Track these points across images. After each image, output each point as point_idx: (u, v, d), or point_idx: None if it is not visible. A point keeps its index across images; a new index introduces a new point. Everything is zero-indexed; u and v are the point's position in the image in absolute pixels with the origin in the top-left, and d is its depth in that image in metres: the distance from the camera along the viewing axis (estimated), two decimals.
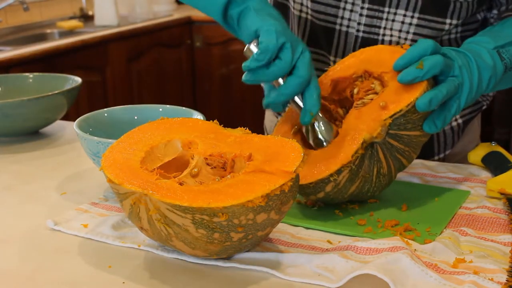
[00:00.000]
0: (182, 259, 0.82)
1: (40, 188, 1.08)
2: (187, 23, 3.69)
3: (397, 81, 0.90)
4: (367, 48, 1.00)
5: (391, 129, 0.90)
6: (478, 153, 1.12)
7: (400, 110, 0.89)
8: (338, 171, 0.89)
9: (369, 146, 0.90)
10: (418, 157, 1.19)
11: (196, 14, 3.75)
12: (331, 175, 0.89)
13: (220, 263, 0.80)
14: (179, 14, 3.79)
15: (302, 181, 0.90)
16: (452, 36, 1.14)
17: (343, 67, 1.00)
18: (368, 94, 0.96)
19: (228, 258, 0.81)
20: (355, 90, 0.98)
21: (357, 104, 0.96)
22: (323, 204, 0.98)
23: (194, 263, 0.81)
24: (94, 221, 0.92)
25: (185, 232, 0.74)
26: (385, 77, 0.95)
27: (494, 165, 1.08)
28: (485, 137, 1.35)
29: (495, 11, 1.15)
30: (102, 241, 0.88)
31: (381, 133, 0.89)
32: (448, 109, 0.92)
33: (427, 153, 1.22)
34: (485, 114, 1.34)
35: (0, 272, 0.81)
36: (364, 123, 0.91)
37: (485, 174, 1.09)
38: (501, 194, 0.98)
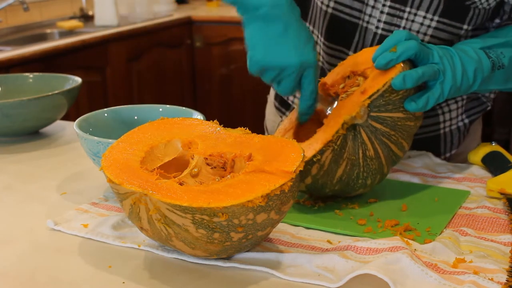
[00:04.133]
0: (182, 259, 0.82)
1: (40, 188, 1.08)
2: (187, 23, 3.70)
3: (375, 67, 0.94)
4: (355, 54, 1.05)
5: (371, 111, 0.92)
6: (478, 153, 1.12)
7: (377, 91, 0.92)
8: (321, 151, 0.91)
9: (351, 127, 0.93)
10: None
11: (196, 14, 3.76)
12: (314, 155, 0.91)
13: (220, 263, 0.80)
14: (179, 14, 3.79)
15: None
16: (462, 39, 1.14)
17: (333, 74, 1.05)
18: (352, 87, 0.99)
19: (228, 258, 0.81)
20: (341, 86, 1.01)
21: (341, 97, 0.99)
22: (325, 199, 0.98)
23: (194, 263, 0.81)
24: (94, 221, 0.92)
25: (185, 232, 0.74)
26: (367, 72, 0.98)
27: (494, 165, 1.08)
28: (485, 137, 1.35)
29: (497, 20, 1.15)
30: (102, 241, 0.88)
31: (360, 113, 0.91)
32: (431, 91, 0.94)
33: (434, 152, 1.22)
34: (485, 114, 1.34)
35: (0, 272, 0.81)
36: (345, 109, 0.94)
37: (485, 174, 1.09)
38: (501, 194, 0.98)
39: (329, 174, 0.93)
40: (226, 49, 3.65)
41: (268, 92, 1.44)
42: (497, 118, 3.16)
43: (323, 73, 1.24)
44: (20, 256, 0.85)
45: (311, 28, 1.22)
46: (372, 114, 0.92)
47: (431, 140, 1.22)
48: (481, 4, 1.07)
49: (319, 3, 1.17)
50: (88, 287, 0.77)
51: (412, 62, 0.95)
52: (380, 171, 0.97)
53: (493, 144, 1.13)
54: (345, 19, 1.15)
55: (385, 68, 0.93)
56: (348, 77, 1.02)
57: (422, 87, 0.96)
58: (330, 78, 1.05)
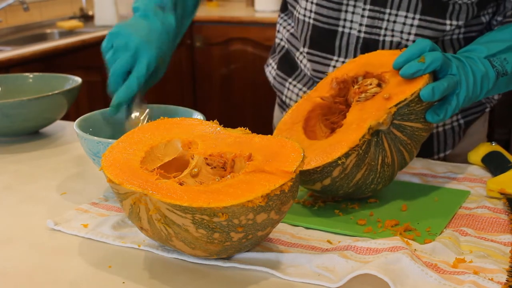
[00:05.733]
0: (182, 259, 0.82)
1: (40, 188, 1.08)
2: None
3: (400, 75, 0.94)
4: (367, 54, 1.04)
5: (395, 118, 0.92)
6: (478, 153, 1.12)
7: (405, 99, 0.91)
8: (346, 154, 0.90)
9: (374, 133, 0.92)
10: (418, 156, 1.19)
11: (196, 14, 3.75)
12: (339, 158, 0.90)
13: (220, 263, 0.80)
14: None
15: (308, 167, 0.91)
16: (454, 36, 1.15)
17: (345, 71, 1.03)
18: (368, 88, 0.98)
19: (228, 258, 0.81)
20: (356, 86, 1.00)
21: (359, 97, 0.98)
22: (325, 199, 0.98)
23: (194, 263, 0.81)
24: (94, 221, 0.92)
25: (185, 232, 0.74)
26: (385, 76, 0.97)
27: (494, 165, 1.08)
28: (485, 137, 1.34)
29: (499, 18, 1.15)
30: (102, 241, 0.88)
31: (386, 120, 0.91)
32: (448, 103, 0.96)
33: (426, 151, 1.23)
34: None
35: (0, 272, 0.81)
36: (368, 113, 0.93)
37: (485, 174, 1.09)
38: (501, 194, 0.98)
39: (348, 178, 0.93)
40: (226, 49, 3.65)
41: (273, 95, 1.45)
42: (497, 118, 3.16)
43: (310, 81, 1.25)
44: (20, 256, 0.85)
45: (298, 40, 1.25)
46: (395, 121, 0.93)
47: None
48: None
49: (301, 17, 1.21)
50: (88, 287, 0.77)
51: (433, 73, 0.95)
52: (391, 178, 0.97)
53: (493, 144, 1.13)
54: (324, 28, 1.17)
55: (411, 77, 0.93)
56: (363, 76, 1.01)
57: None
58: (340, 72, 1.03)
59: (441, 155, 1.25)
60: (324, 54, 1.20)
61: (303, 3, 1.19)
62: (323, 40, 1.19)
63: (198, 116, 1.06)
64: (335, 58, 1.19)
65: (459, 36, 1.15)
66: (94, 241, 0.88)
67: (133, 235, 0.88)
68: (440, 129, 1.23)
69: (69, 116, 1.58)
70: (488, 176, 1.07)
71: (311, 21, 1.19)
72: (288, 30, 1.32)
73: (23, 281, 0.79)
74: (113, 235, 0.88)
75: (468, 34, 1.16)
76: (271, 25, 3.42)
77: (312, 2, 1.17)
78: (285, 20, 1.34)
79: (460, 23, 1.12)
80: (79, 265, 0.82)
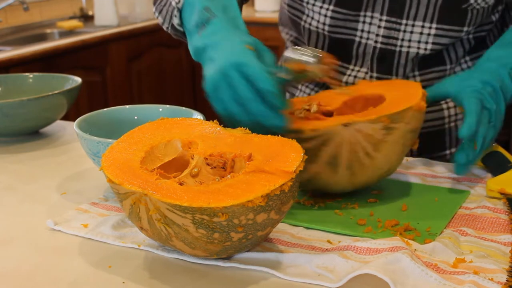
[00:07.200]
0: (182, 259, 0.82)
1: (40, 188, 1.08)
2: None
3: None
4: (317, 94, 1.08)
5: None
6: None
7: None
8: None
9: None
10: (428, 152, 1.20)
11: None
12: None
13: (220, 263, 0.80)
14: None
15: (402, 106, 0.92)
16: (465, 37, 1.15)
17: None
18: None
19: (228, 258, 0.81)
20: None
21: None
22: (325, 199, 0.98)
23: (194, 263, 0.81)
24: (94, 221, 0.92)
25: (185, 232, 0.74)
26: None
27: (494, 165, 1.08)
28: None
29: None
30: (102, 241, 0.88)
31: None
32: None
33: (439, 147, 1.23)
34: None
35: (0, 272, 0.81)
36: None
37: (485, 174, 1.09)
38: (501, 194, 0.98)
39: (417, 133, 0.96)
40: None
41: None
42: None
43: (320, 83, 1.26)
44: (20, 256, 0.85)
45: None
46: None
47: (435, 134, 1.22)
48: (478, 4, 1.08)
49: (313, 28, 1.21)
50: (88, 287, 0.77)
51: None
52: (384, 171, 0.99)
53: (493, 144, 1.13)
54: (342, 39, 1.18)
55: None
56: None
57: None
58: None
59: (453, 150, 1.25)
60: (340, 63, 1.21)
61: (315, 15, 1.19)
62: (339, 49, 1.20)
63: (198, 116, 1.06)
64: (351, 67, 1.20)
65: (469, 37, 1.16)
66: (94, 241, 0.88)
67: (133, 235, 0.88)
68: (452, 124, 1.23)
69: (69, 116, 1.58)
70: (488, 176, 1.07)
71: (326, 32, 1.19)
72: (292, 41, 1.32)
73: (23, 281, 0.79)
74: (113, 235, 0.88)
75: (478, 34, 1.17)
76: (271, 25, 3.42)
77: (326, 16, 1.17)
78: (286, 33, 1.34)
79: (475, 26, 1.12)
80: (79, 265, 0.82)
